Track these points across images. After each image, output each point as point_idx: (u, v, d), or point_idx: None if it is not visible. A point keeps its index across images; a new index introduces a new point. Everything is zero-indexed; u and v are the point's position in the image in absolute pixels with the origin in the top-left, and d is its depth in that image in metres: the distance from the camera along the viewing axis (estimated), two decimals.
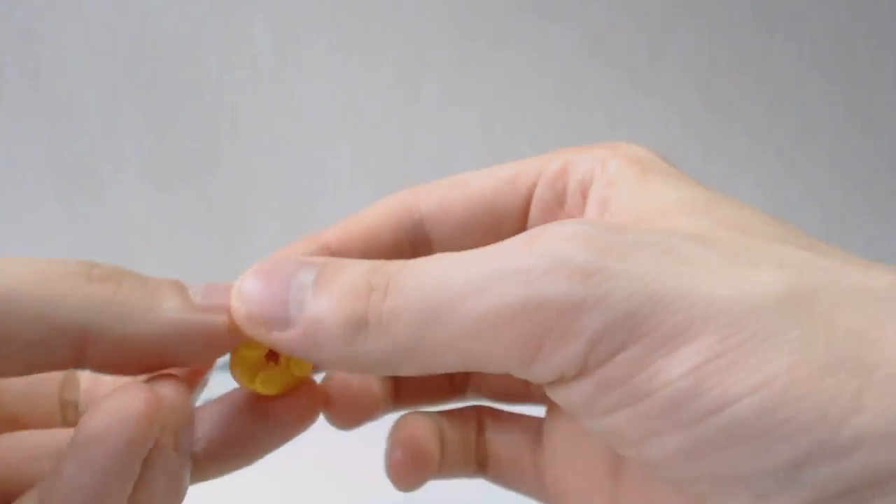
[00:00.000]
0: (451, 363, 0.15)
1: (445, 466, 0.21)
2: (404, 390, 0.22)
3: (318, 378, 0.22)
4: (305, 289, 0.16)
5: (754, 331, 0.13)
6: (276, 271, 0.17)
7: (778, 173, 0.81)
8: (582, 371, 0.14)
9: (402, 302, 0.15)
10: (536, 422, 0.22)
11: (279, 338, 0.16)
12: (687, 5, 0.78)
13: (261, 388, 0.20)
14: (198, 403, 0.21)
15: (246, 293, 0.18)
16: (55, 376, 0.20)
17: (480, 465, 0.22)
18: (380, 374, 0.19)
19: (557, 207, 0.20)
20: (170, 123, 0.76)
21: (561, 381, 0.14)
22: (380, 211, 0.22)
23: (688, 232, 0.15)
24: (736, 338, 0.13)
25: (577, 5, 0.77)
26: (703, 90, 0.79)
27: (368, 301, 0.15)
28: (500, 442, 0.22)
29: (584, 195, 0.19)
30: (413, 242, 0.21)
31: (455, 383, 0.24)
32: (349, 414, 0.20)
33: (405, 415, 0.22)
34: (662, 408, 0.13)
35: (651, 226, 0.16)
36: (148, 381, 0.17)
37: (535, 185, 0.20)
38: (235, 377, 0.20)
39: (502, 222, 0.21)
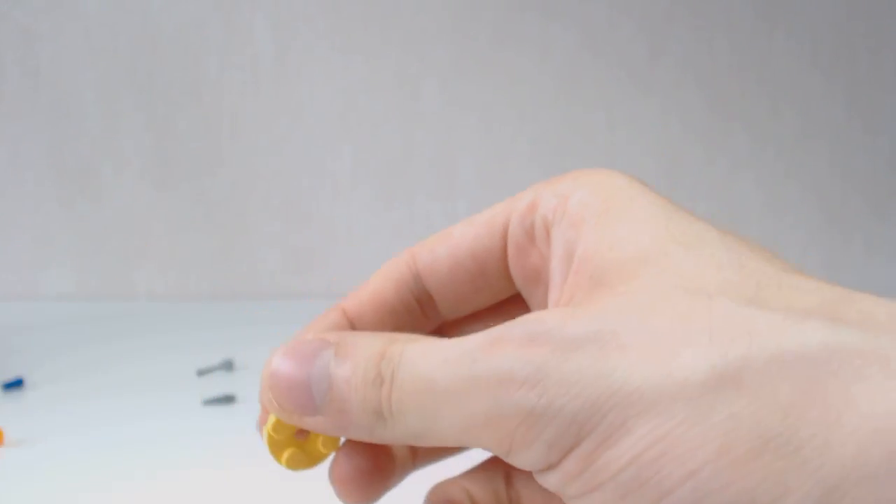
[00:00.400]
0: (461, 444, 0.17)
1: None
2: (422, 448, 0.23)
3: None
4: (325, 376, 0.18)
5: (683, 418, 0.14)
6: (297, 357, 0.19)
7: (778, 173, 0.81)
8: (548, 465, 0.16)
9: (404, 398, 0.17)
10: None
11: (309, 423, 0.18)
12: (687, 5, 0.78)
13: (287, 464, 0.20)
14: None
15: (273, 382, 0.19)
16: None
17: None
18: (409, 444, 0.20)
19: (529, 245, 0.21)
20: (170, 123, 0.76)
21: (537, 470, 0.16)
22: (384, 275, 0.24)
23: (635, 300, 0.16)
24: (666, 426, 0.14)
25: (577, 5, 0.78)
26: (703, 90, 0.79)
27: (381, 392, 0.17)
28: (530, 490, 0.23)
29: (547, 232, 0.20)
30: (417, 297, 0.23)
31: None
32: (373, 484, 0.21)
33: (436, 485, 0.23)
34: (616, 496, 0.15)
35: (607, 287, 0.17)
36: None
37: (508, 225, 0.21)
38: (269, 452, 0.20)
39: (486, 265, 0.22)
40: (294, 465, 0.21)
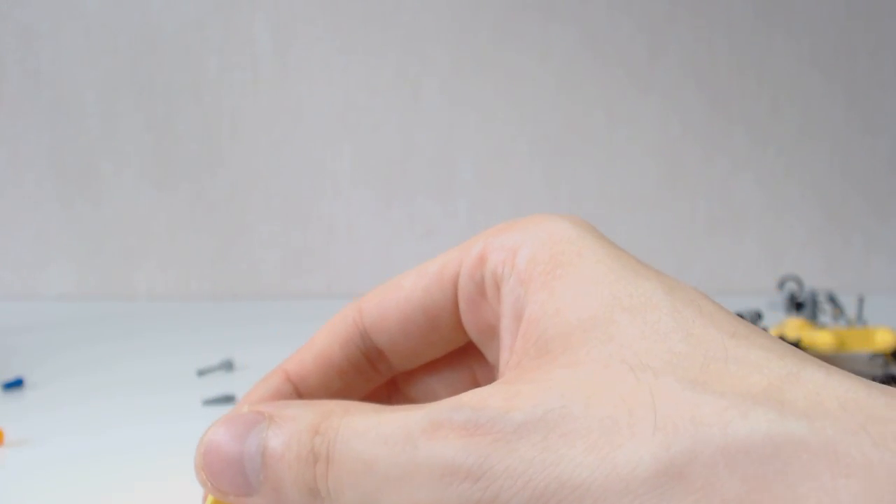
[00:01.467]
0: None
1: None
2: None
3: None
4: (259, 453, 0.17)
5: None
6: (230, 433, 0.18)
7: (778, 172, 0.81)
8: None
9: (342, 478, 0.16)
10: None
11: (248, 503, 0.18)
12: (687, 5, 0.78)
13: None
14: None
15: (206, 461, 0.18)
16: None
17: None
18: None
19: (481, 299, 0.20)
20: (170, 123, 0.76)
21: None
22: (329, 333, 0.22)
23: (579, 378, 0.16)
24: None
25: (577, 5, 0.78)
26: (703, 89, 0.79)
27: (316, 471, 0.16)
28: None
29: (497, 288, 0.19)
30: (366, 354, 0.22)
31: None
32: None
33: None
34: None
35: (552, 356, 0.17)
36: None
37: (458, 277, 0.20)
38: None
39: (437, 319, 0.21)
40: None
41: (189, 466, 0.39)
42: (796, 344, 0.40)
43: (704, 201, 0.80)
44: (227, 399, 0.45)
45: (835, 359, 0.46)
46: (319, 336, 0.22)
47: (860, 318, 0.50)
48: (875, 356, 0.47)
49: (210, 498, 0.19)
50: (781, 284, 0.52)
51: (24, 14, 0.74)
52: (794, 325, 0.47)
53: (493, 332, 0.20)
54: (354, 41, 0.77)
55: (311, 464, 0.17)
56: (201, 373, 0.50)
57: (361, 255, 0.78)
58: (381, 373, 0.22)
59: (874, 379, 0.33)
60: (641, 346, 0.16)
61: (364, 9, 0.76)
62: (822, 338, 0.45)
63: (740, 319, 0.17)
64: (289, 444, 0.17)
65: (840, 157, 0.81)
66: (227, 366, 0.51)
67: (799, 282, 0.52)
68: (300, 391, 0.22)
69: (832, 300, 0.50)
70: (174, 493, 0.33)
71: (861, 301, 0.51)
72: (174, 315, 0.69)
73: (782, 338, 0.41)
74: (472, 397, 0.16)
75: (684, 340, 0.16)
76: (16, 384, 0.47)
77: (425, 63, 0.77)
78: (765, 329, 0.39)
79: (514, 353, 0.18)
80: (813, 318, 0.48)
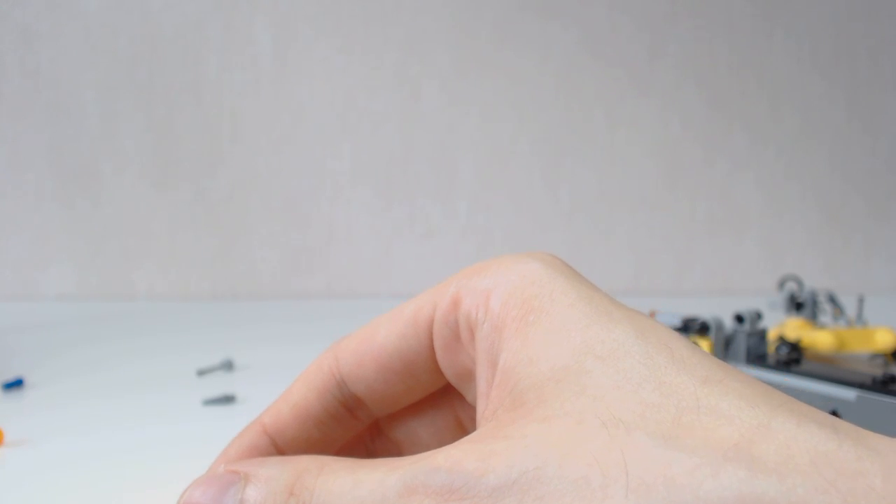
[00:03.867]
0: None
1: None
2: None
3: None
4: None
5: None
6: (208, 494, 0.18)
7: (778, 173, 0.81)
8: None
9: None
10: None
11: None
12: (687, 5, 0.78)
13: None
14: None
15: None
16: None
17: None
18: None
19: (456, 344, 0.20)
20: (170, 123, 0.76)
21: None
22: (305, 384, 0.22)
23: (552, 435, 0.16)
24: None
25: (577, 5, 0.78)
26: (703, 90, 0.79)
27: None
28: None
29: (472, 332, 0.20)
30: (343, 403, 0.22)
31: None
32: None
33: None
34: None
35: (526, 408, 0.17)
36: None
37: (433, 322, 0.20)
38: None
39: (414, 365, 0.21)
40: None
41: (189, 465, 0.39)
42: (797, 344, 0.40)
43: (704, 201, 0.80)
44: (228, 399, 0.45)
45: (835, 359, 0.46)
46: (295, 387, 0.22)
47: (860, 318, 0.50)
48: (875, 356, 0.47)
49: None
50: (781, 284, 0.52)
51: (24, 14, 0.74)
52: (794, 325, 0.47)
53: (470, 375, 0.20)
54: (354, 41, 0.77)
55: None
56: (201, 373, 0.50)
57: (361, 255, 0.78)
58: (360, 420, 0.22)
59: (874, 379, 0.33)
60: (614, 398, 0.16)
61: (364, 9, 0.76)
62: (822, 338, 0.45)
63: (713, 360, 0.17)
64: (262, 503, 0.17)
65: (840, 157, 0.81)
66: (227, 366, 0.51)
67: (799, 282, 0.52)
68: (278, 444, 0.22)
69: (832, 300, 0.50)
70: (174, 493, 0.33)
71: (861, 301, 0.51)
72: (174, 315, 0.69)
73: (782, 338, 0.41)
74: (447, 459, 0.16)
75: (657, 390, 0.16)
76: (16, 384, 0.47)
77: (425, 63, 0.77)
78: (764, 330, 0.39)
79: (490, 403, 0.18)
80: (813, 318, 0.48)
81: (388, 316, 0.21)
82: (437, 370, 0.21)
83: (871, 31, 0.80)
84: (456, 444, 0.16)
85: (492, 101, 0.78)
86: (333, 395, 0.21)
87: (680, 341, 0.17)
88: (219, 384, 0.48)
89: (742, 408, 0.15)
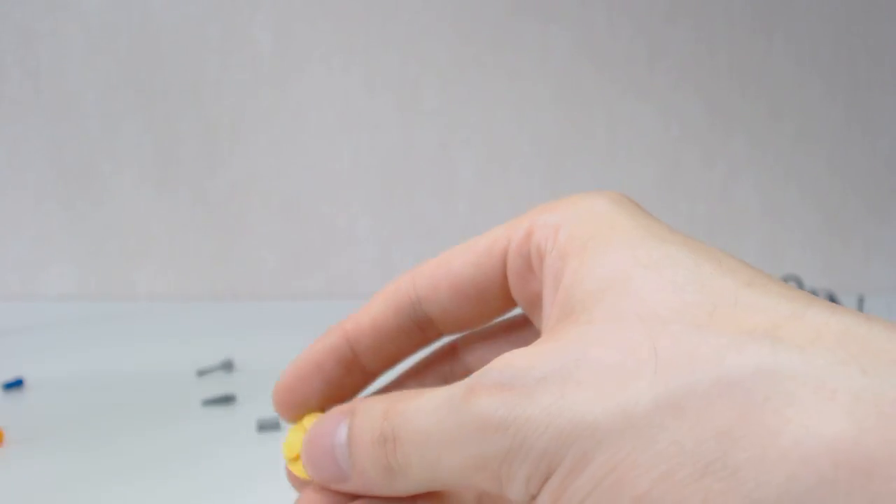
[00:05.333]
0: (464, 487, 0.20)
1: None
2: None
3: None
4: (345, 445, 0.20)
5: (632, 447, 0.15)
6: (322, 432, 0.21)
7: (777, 175, 0.81)
8: (530, 498, 0.17)
9: (406, 454, 0.19)
10: None
11: (345, 488, 0.21)
12: (686, 7, 0.79)
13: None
14: None
15: (308, 457, 0.21)
16: None
17: None
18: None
19: (528, 272, 0.22)
20: (170, 123, 0.76)
21: (526, 502, 0.18)
22: (384, 301, 0.25)
23: (592, 332, 0.18)
24: (619, 456, 0.15)
25: (576, 7, 0.78)
26: (702, 92, 0.80)
27: (386, 451, 0.19)
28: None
29: (541, 261, 0.21)
30: (417, 322, 0.24)
31: None
32: None
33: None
34: None
35: (572, 317, 0.19)
36: None
37: (507, 253, 0.22)
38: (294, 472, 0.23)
39: (487, 291, 0.23)
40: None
41: (189, 464, 0.39)
42: None
43: (704, 204, 0.80)
44: (228, 399, 0.45)
45: None
46: (375, 302, 0.24)
47: None
48: None
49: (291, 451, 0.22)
50: None
51: (24, 14, 0.75)
52: None
53: (539, 301, 0.22)
54: (354, 41, 0.77)
55: (381, 444, 0.19)
56: (201, 373, 0.50)
57: (361, 255, 0.78)
58: (429, 337, 0.25)
59: None
60: (655, 299, 0.17)
61: (364, 9, 0.76)
62: None
63: (764, 273, 0.18)
64: (363, 430, 0.20)
65: (839, 159, 0.81)
66: (227, 366, 0.51)
67: (799, 282, 0.52)
68: (354, 349, 0.24)
69: (832, 300, 0.50)
70: (174, 492, 0.33)
71: (861, 301, 0.51)
72: (174, 315, 0.69)
73: None
74: (500, 361, 0.18)
75: (698, 291, 0.17)
76: (16, 384, 0.47)
77: (425, 63, 0.77)
78: None
79: (549, 318, 0.20)
80: None
81: (464, 246, 0.23)
82: (507, 297, 0.23)
83: (871, 31, 0.80)
84: (509, 352, 0.18)
85: (492, 101, 0.78)
86: (408, 315, 0.24)
87: (731, 257, 0.18)
88: (219, 384, 0.48)
89: (780, 302, 0.16)
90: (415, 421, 0.19)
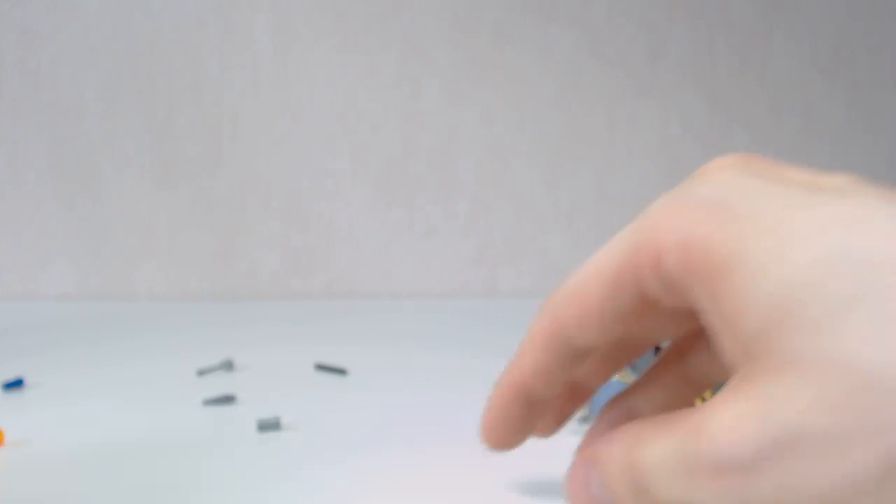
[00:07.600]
0: None
1: None
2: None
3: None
4: (603, 498, 0.21)
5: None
6: (575, 485, 0.22)
7: None
8: None
9: (658, 501, 0.19)
10: None
11: None
12: (687, 5, 0.78)
13: None
14: None
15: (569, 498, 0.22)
16: None
17: None
18: None
19: (666, 294, 0.21)
20: (170, 123, 0.76)
21: None
22: (540, 345, 0.23)
23: (804, 397, 0.17)
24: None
25: (577, 6, 0.78)
26: (703, 90, 0.79)
27: (645, 500, 0.20)
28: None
29: (683, 290, 0.20)
30: (574, 359, 0.23)
31: None
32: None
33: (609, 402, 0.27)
34: None
35: (764, 361, 0.18)
36: None
37: (639, 281, 0.21)
38: None
39: (632, 319, 0.22)
40: None
41: (189, 465, 0.39)
42: None
43: None
44: (228, 399, 0.45)
45: None
46: (528, 348, 0.23)
47: None
48: None
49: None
50: None
51: (24, 14, 0.75)
52: None
53: (692, 317, 0.23)
54: (354, 41, 0.77)
55: (638, 496, 0.20)
56: (201, 373, 0.50)
57: (361, 255, 0.78)
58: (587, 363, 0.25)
59: None
60: (833, 334, 0.16)
61: (364, 9, 0.76)
62: None
63: None
64: (614, 485, 0.20)
65: (840, 157, 0.81)
66: (227, 366, 0.51)
67: None
68: (530, 397, 0.24)
69: None
70: (174, 493, 0.33)
71: None
72: (174, 315, 0.69)
73: None
74: (710, 442, 0.18)
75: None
76: (16, 384, 0.47)
77: (425, 63, 0.77)
78: None
79: (729, 354, 0.19)
80: None
81: (592, 278, 0.22)
82: (661, 315, 0.23)
83: (871, 30, 0.80)
84: (716, 416, 0.18)
85: (492, 101, 0.78)
86: (565, 353, 0.23)
87: None
88: (219, 384, 0.48)
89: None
90: (660, 478, 0.19)
